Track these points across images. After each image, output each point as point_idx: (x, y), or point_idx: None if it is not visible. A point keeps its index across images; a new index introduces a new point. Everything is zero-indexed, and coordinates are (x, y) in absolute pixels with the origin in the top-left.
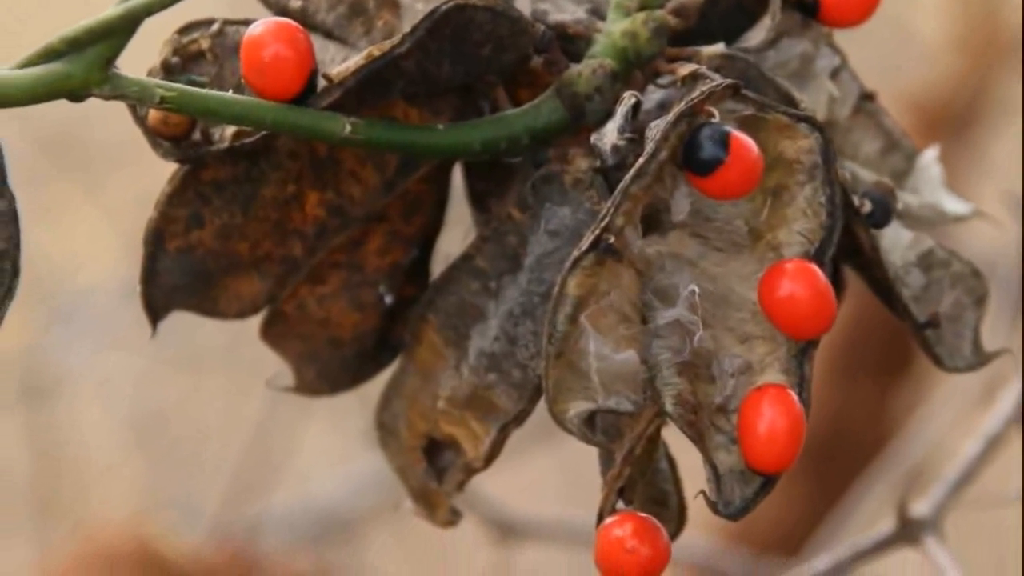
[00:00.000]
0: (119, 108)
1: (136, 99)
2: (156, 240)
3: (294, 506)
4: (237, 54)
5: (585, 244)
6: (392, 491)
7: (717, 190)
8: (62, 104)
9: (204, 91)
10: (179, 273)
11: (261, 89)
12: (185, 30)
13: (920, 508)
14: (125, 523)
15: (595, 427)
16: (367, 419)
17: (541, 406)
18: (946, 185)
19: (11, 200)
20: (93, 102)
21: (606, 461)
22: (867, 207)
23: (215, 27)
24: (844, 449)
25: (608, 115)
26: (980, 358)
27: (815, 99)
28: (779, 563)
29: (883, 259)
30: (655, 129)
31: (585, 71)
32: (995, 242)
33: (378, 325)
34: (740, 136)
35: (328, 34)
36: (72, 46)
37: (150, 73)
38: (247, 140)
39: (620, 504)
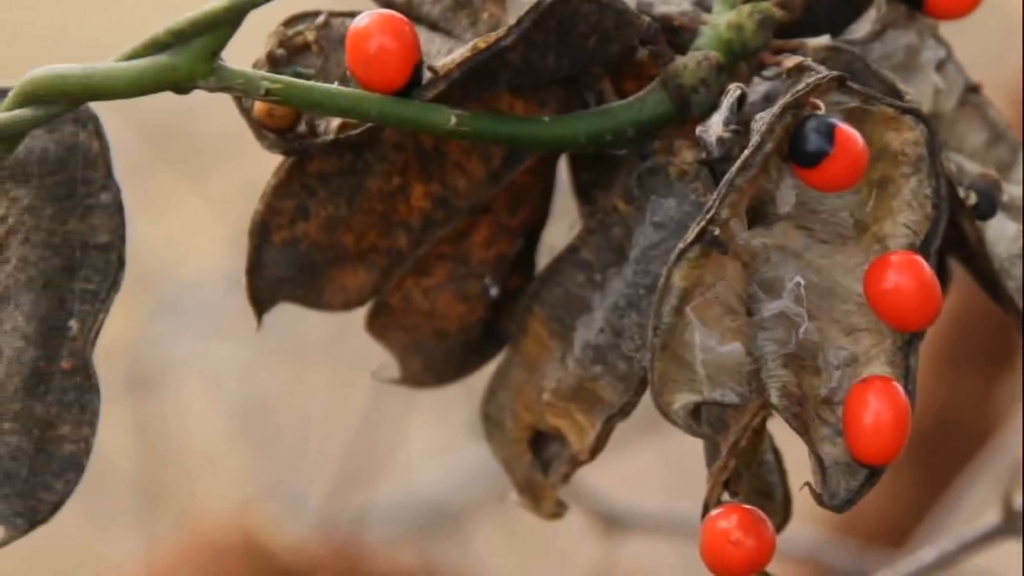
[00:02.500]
0: (224, 100)
1: (242, 91)
2: (262, 232)
3: (399, 498)
4: (343, 46)
5: (691, 236)
6: (497, 483)
7: (823, 182)
8: (167, 96)
9: (310, 83)
10: (285, 265)
11: (367, 81)
12: (291, 22)
13: None
14: (230, 514)
15: (701, 419)
16: (473, 411)
17: (646, 398)
18: None
19: (116, 192)
20: (198, 93)
21: (711, 453)
22: (972, 199)
23: (321, 19)
24: (949, 441)
25: (713, 107)
26: None
27: (921, 91)
28: (884, 555)
29: (988, 251)
30: (761, 121)
31: (691, 63)
32: None
33: (484, 317)
34: (846, 128)
35: (433, 26)
36: (177, 38)
37: (255, 65)
38: (352, 132)
39: (726, 496)
